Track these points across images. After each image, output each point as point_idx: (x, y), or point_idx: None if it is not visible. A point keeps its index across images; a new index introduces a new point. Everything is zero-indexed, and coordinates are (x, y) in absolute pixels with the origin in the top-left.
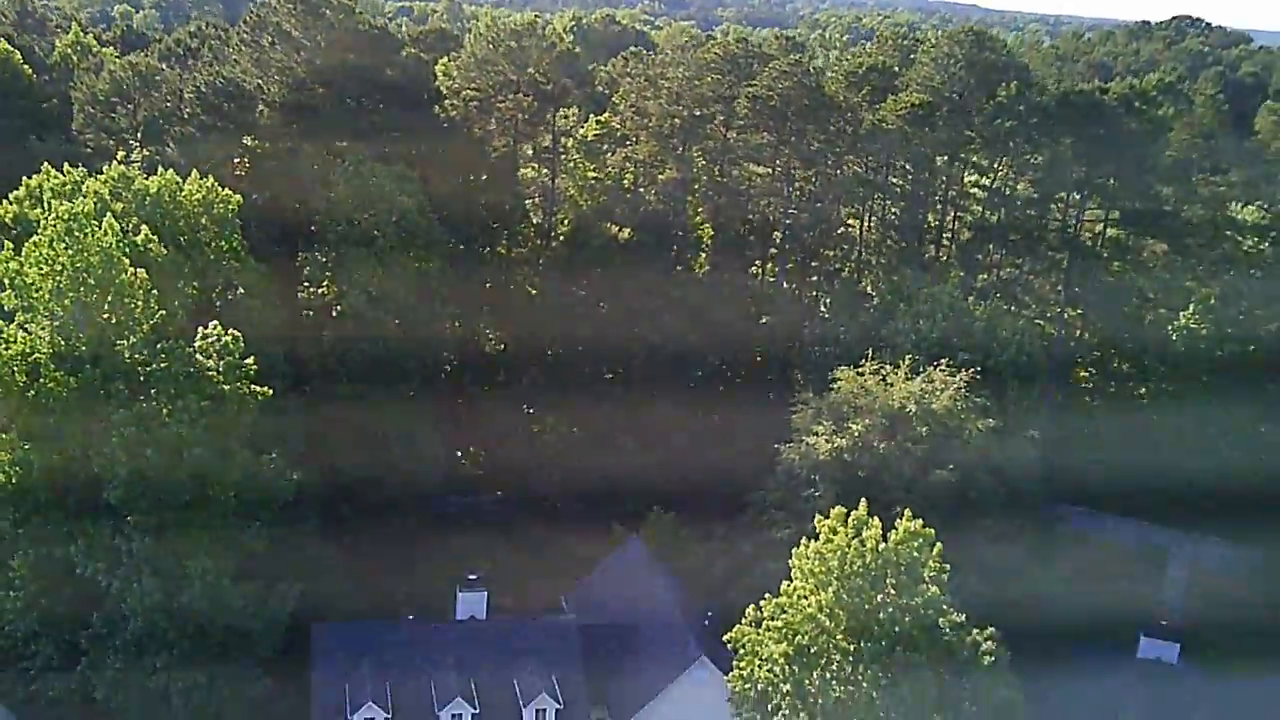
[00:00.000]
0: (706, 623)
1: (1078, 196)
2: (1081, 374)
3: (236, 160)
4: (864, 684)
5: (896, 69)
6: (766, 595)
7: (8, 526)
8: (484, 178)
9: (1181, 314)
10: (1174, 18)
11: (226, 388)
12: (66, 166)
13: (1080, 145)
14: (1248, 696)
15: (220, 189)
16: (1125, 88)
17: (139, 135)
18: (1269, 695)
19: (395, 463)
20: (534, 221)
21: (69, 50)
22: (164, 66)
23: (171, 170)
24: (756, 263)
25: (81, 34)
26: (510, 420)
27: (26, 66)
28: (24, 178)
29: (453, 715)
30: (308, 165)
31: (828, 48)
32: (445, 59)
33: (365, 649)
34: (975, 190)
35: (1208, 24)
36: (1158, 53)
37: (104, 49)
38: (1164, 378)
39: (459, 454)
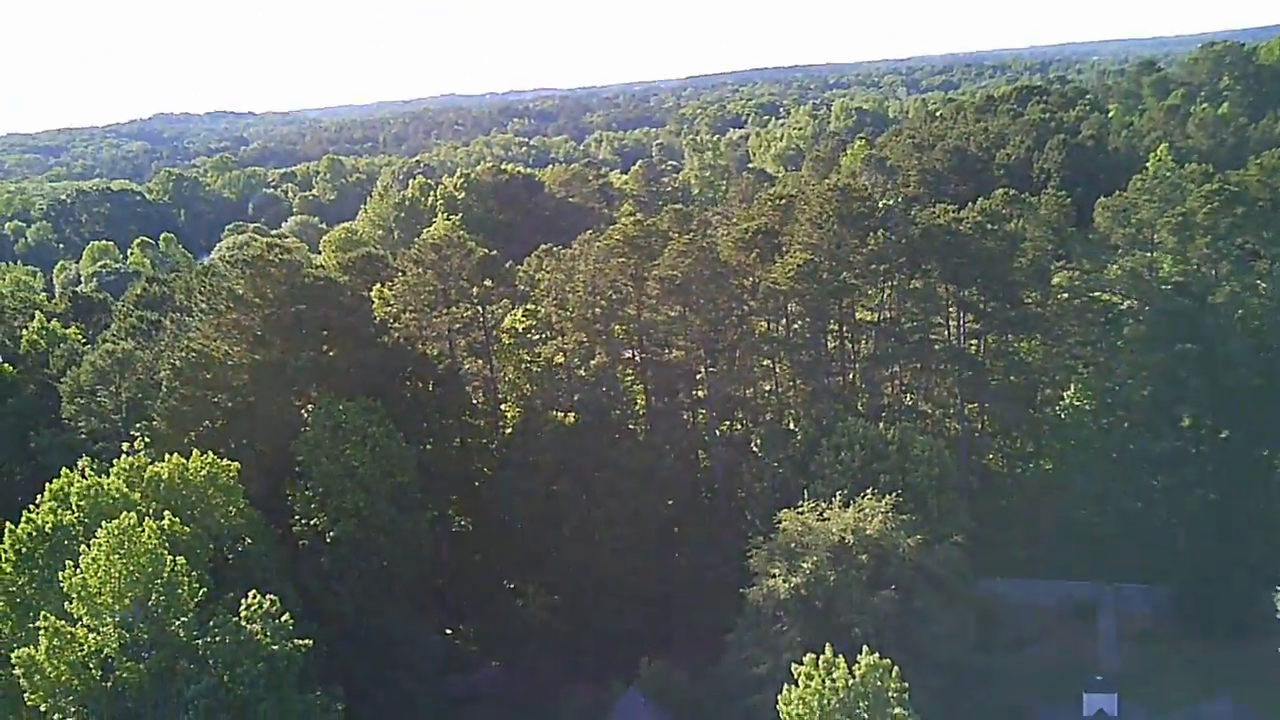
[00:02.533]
0: None
1: (954, 312)
2: (990, 458)
3: (216, 420)
4: None
5: (778, 228)
6: None
7: None
8: (431, 386)
9: (1065, 393)
10: (1017, 88)
11: (275, 647)
12: (83, 467)
13: (946, 270)
14: None
15: (220, 459)
16: (976, 213)
17: (124, 414)
18: None
19: (402, 660)
20: (479, 408)
21: (36, 338)
22: (134, 346)
23: (177, 455)
24: (686, 414)
25: (45, 321)
26: (497, 598)
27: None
28: (45, 483)
29: None
30: (280, 414)
31: (699, 150)
32: (379, 286)
33: None
34: (866, 325)
35: (1046, 90)
36: (1005, 127)
37: (68, 329)
38: (1061, 451)
39: (450, 634)
